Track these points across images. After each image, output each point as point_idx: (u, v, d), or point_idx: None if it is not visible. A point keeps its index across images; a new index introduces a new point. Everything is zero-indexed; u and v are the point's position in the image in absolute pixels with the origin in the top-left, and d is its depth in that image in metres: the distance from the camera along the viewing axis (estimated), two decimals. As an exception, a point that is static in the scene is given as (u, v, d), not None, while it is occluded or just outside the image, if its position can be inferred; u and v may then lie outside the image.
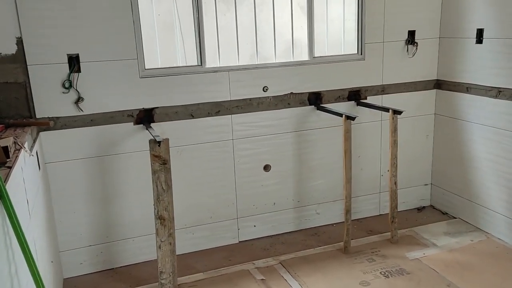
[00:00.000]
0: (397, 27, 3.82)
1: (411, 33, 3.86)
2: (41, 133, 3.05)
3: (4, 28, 2.84)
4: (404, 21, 3.83)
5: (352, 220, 3.95)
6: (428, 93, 4.07)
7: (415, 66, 3.95)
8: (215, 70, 3.41)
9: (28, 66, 2.94)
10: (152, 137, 2.86)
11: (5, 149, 2.00)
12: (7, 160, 1.97)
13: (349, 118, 3.27)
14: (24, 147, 2.23)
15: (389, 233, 3.66)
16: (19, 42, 2.89)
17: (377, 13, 3.73)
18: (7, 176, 1.78)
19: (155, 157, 2.85)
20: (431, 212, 4.19)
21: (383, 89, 3.90)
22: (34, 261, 1.69)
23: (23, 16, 2.86)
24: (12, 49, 2.88)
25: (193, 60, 3.40)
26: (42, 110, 3.03)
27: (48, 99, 3.02)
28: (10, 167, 1.89)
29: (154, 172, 2.88)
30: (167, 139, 2.86)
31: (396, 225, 3.62)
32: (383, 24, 3.77)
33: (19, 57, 2.91)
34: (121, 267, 3.43)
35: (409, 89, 3.99)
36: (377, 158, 4.04)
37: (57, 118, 3.07)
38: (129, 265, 3.44)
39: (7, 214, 1.61)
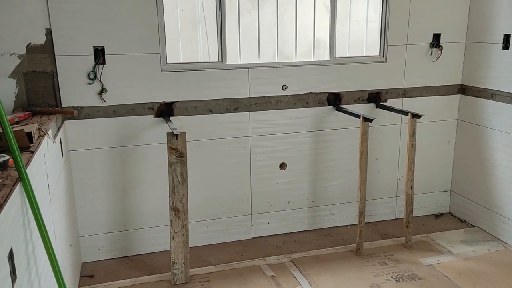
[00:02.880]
0: (422, 29, 3.77)
1: (436, 36, 3.80)
2: (66, 122, 3.16)
3: (35, 19, 2.96)
4: (429, 24, 3.77)
5: (367, 222, 3.94)
6: (452, 98, 4.00)
7: (439, 70, 3.89)
8: (235, 67, 3.45)
9: (56, 57, 3.05)
10: (170, 130, 2.93)
11: (29, 134, 2.09)
12: (31, 145, 2.07)
13: (367, 120, 3.25)
14: (48, 134, 2.33)
15: (404, 237, 3.63)
16: (48, 33, 3.01)
17: (401, 15, 3.70)
18: (29, 160, 1.87)
19: (172, 149, 2.92)
20: (449, 219, 4.13)
21: (404, 93, 3.86)
22: (50, 242, 1.78)
23: (52, 8, 2.98)
24: (41, 39, 3.00)
25: (214, 56, 3.46)
26: (68, 99, 3.14)
27: (74, 89, 3.14)
28: (32, 152, 1.98)
29: (170, 164, 2.95)
30: (184, 133, 2.93)
31: (411, 230, 3.59)
32: (407, 27, 3.73)
33: (48, 48, 3.03)
34: (136, 255, 3.52)
35: (432, 93, 3.93)
36: (395, 162, 4.00)
37: (81, 108, 3.18)
38: (144, 253, 3.53)
39: (26, 195, 1.70)
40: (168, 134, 2.92)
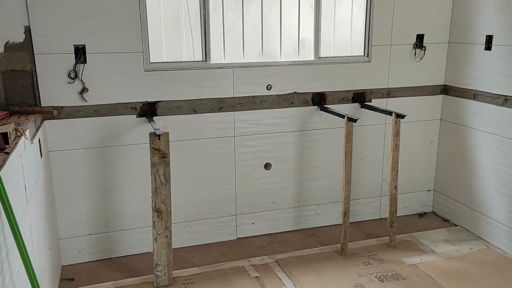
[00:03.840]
0: (405, 30, 3.78)
1: (420, 37, 3.82)
2: (46, 122, 3.09)
3: (13, 17, 2.89)
4: (413, 24, 3.79)
5: (351, 222, 3.95)
6: (435, 98, 4.03)
7: (422, 71, 3.91)
8: (220, 67, 3.42)
9: (35, 55, 2.99)
10: (153, 130, 2.89)
11: (5, 135, 2.04)
12: (6, 146, 2.01)
13: (351, 120, 3.25)
14: (25, 135, 2.27)
15: (388, 237, 3.64)
16: (27, 31, 2.94)
17: (385, 16, 3.71)
18: (3, 162, 1.81)
19: (154, 150, 2.88)
20: (433, 219, 4.16)
21: (388, 93, 3.88)
22: (25, 246, 1.73)
23: (32, 6, 2.91)
24: (20, 37, 2.93)
25: (198, 56, 3.42)
26: (47, 99, 3.07)
27: (54, 88, 3.07)
28: (8, 153, 1.93)
29: (153, 165, 2.91)
30: (167, 133, 2.89)
31: (395, 229, 3.60)
32: (391, 27, 3.74)
33: (27, 46, 2.96)
34: (119, 257, 3.47)
35: (415, 93, 3.95)
36: (380, 162, 4.02)
37: (62, 107, 3.12)
38: (127, 255, 3.48)
39: (-1, 198, 1.65)
40: (150, 134, 2.88)
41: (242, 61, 3.51)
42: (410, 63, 3.87)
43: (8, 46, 2.92)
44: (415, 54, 3.85)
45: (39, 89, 3.04)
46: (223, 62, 3.47)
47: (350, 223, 3.90)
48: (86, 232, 3.37)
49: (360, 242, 3.69)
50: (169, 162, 2.93)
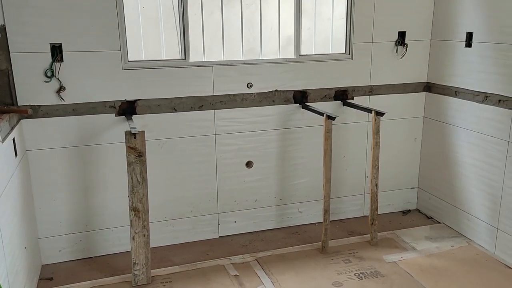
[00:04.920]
0: (387, 27, 3.77)
1: (402, 34, 3.81)
2: (22, 121, 3.08)
3: (-13, 16, 2.88)
4: (394, 22, 3.78)
5: (335, 220, 3.96)
6: (418, 96, 4.02)
7: (404, 68, 3.90)
8: (199, 65, 3.41)
9: (11, 54, 2.97)
10: (129, 129, 2.88)
11: (-30, 135, 2.02)
12: (-29, 146, 2.00)
13: (330, 117, 3.25)
14: (-6, 134, 2.26)
15: (369, 235, 3.64)
16: (3, 29, 2.92)
17: (366, 13, 3.69)
18: (-35, 162, 1.80)
19: (130, 149, 2.87)
20: (416, 216, 4.16)
21: (371, 90, 3.87)
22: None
23: (7, 4, 2.89)
24: (-5, 36, 2.92)
25: (177, 54, 3.41)
26: (24, 97, 3.06)
27: (30, 87, 3.06)
28: (-28, 153, 1.91)
29: (129, 164, 2.90)
30: (143, 132, 2.88)
31: (376, 227, 3.60)
32: (372, 24, 3.73)
33: (2, 45, 2.94)
34: (99, 256, 3.46)
35: (398, 91, 3.95)
36: (363, 159, 4.01)
37: (39, 106, 3.10)
38: (107, 254, 3.47)
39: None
40: (126, 133, 2.87)
41: (222, 59, 3.50)
42: (392, 61, 3.86)
43: (-16, 45, 2.91)
44: (396, 52, 3.84)
45: (16, 88, 3.02)
46: (203, 60, 3.45)
47: (333, 220, 3.91)
48: (66, 231, 3.36)
49: (342, 240, 3.69)
50: (145, 161, 2.92)
